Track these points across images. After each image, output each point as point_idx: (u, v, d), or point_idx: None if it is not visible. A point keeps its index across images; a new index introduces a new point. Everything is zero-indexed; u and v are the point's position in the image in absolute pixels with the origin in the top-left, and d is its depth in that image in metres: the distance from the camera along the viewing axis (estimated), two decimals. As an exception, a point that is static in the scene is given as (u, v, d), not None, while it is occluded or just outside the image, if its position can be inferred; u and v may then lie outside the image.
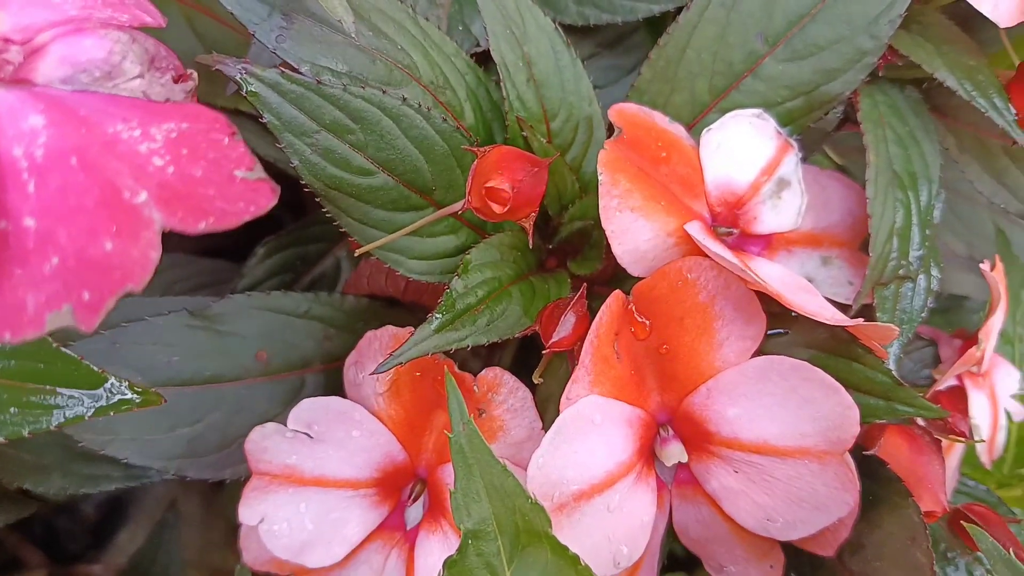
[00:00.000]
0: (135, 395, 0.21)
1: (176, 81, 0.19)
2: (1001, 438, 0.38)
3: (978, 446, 0.36)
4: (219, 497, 0.59)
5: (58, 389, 0.20)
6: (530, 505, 0.23)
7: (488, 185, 0.24)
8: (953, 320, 0.43)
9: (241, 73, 0.23)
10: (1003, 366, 0.38)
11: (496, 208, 0.24)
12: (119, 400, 0.21)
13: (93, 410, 0.21)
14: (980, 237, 0.43)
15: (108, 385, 0.21)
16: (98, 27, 0.19)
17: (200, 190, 0.17)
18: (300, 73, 0.24)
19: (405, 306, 0.33)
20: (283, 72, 0.24)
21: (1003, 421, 0.37)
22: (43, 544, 0.59)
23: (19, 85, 0.18)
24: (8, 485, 0.31)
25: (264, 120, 0.24)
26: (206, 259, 0.39)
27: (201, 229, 0.16)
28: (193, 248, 0.39)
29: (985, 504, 0.37)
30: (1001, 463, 0.41)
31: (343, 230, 0.28)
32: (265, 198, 0.17)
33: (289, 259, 0.35)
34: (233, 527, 0.63)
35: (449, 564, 0.23)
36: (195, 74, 0.20)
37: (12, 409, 0.20)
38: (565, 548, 0.23)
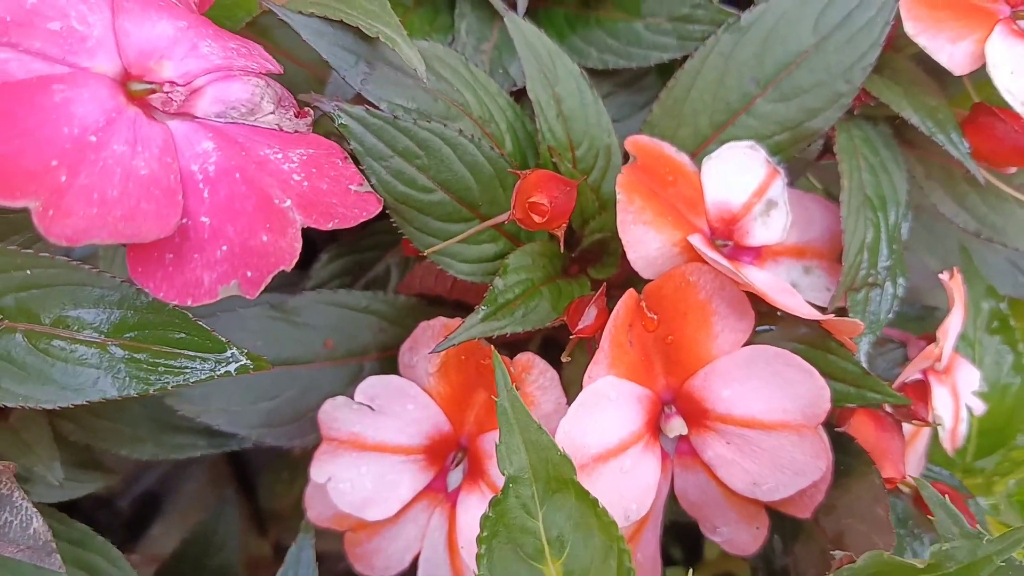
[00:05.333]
0: (249, 361, 0.27)
1: (297, 116, 0.25)
2: (963, 429, 0.43)
3: (941, 435, 0.42)
4: (246, 492, 0.65)
5: (191, 353, 0.26)
6: (559, 457, 0.28)
7: (531, 200, 0.29)
8: (927, 327, 0.48)
9: (334, 109, 0.29)
10: (965, 366, 0.43)
11: (536, 219, 0.29)
12: (237, 365, 0.27)
13: (220, 371, 0.26)
14: (951, 253, 0.48)
15: (229, 353, 0.26)
16: (241, 74, 0.25)
17: (327, 199, 0.23)
18: (379, 109, 0.30)
19: (448, 304, 0.39)
20: (367, 108, 0.29)
21: (964, 414, 0.43)
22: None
23: (184, 117, 0.24)
24: (109, 451, 0.37)
25: (351, 147, 0.29)
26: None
27: (329, 227, 0.22)
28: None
29: (947, 485, 0.42)
30: (964, 453, 0.46)
31: (394, 239, 0.34)
32: (372, 205, 0.23)
33: (348, 264, 0.41)
34: (261, 517, 0.68)
35: (494, 503, 0.28)
36: (312, 111, 0.25)
37: (160, 368, 0.25)
38: (587, 493, 0.28)
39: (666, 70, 0.39)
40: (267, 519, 0.65)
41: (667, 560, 0.64)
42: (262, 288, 0.21)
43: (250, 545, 0.63)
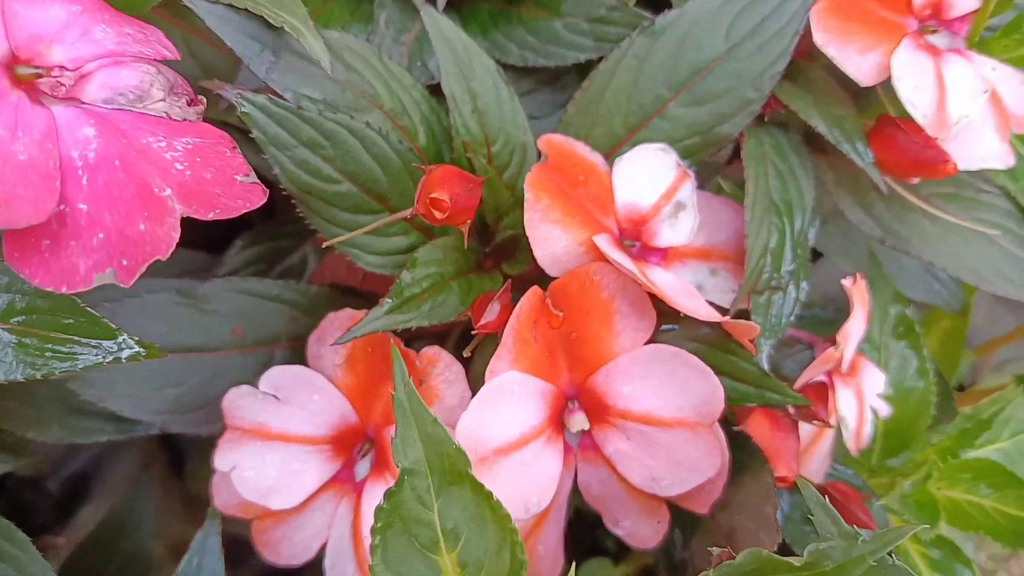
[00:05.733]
0: (141, 348, 0.27)
1: (189, 104, 0.25)
2: (867, 430, 0.44)
3: (845, 435, 0.43)
4: (177, 477, 0.64)
5: (81, 339, 0.26)
6: (455, 451, 0.29)
7: (432, 196, 0.30)
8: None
9: (236, 97, 0.29)
10: (870, 368, 0.44)
11: (437, 214, 0.30)
12: (129, 352, 0.27)
13: (110, 358, 0.26)
14: (863, 258, 0.50)
15: (120, 340, 0.26)
16: (132, 60, 0.25)
17: (209, 189, 0.23)
18: (284, 99, 0.30)
19: (361, 295, 0.39)
20: (270, 97, 0.30)
21: (869, 416, 0.44)
22: (11, 518, 0.64)
23: (70, 102, 0.24)
24: (14, 433, 0.36)
25: (253, 135, 0.30)
26: (189, 250, 0.45)
27: (210, 217, 0.22)
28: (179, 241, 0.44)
29: (849, 485, 0.43)
30: (870, 454, 0.47)
31: (312, 228, 0.34)
32: (257, 197, 0.23)
33: (263, 252, 0.41)
34: (191, 502, 0.68)
35: (388, 495, 0.28)
36: (204, 99, 0.25)
37: (47, 353, 0.25)
38: (481, 486, 0.29)
39: (586, 69, 0.40)
40: (194, 503, 0.64)
41: (599, 550, 0.65)
42: (137, 276, 0.21)
43: (175, 529, 0.63)
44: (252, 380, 0.35)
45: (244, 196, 0.23)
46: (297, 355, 0.38)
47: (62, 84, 0.24)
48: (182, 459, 0.66)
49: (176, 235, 0.22)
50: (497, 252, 0.39)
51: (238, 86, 0.29)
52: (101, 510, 0.64)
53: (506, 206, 0.38)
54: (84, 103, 0.24)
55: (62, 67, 0.24)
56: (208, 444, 0.64)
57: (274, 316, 0.37)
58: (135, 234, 0.21)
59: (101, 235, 0.21)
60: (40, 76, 0.24)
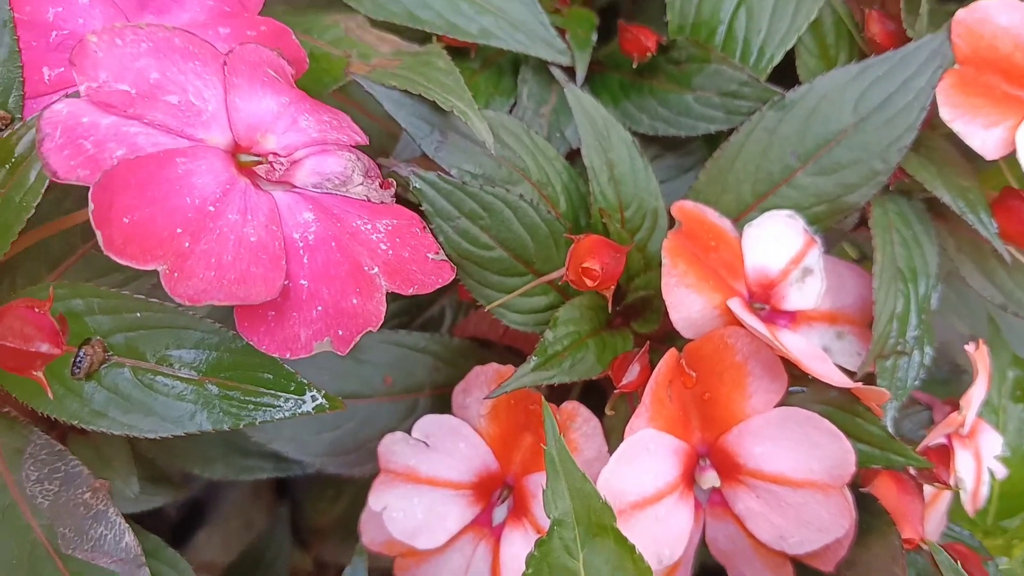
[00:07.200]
0: (326, 401, 0.30)
1: (382, 187, 0.28)
2: (984, 491, 0.45)
3: (962, 496, 0.43)
4: (291, 506, 0.68)
5: (278, 392, 0.29)
6: (601, 504, 0.31)
7: (583, 265, 0.32)
8: (953, 390, 0.50)
9: (410, 174, 0.32)
10: (988, 431, 0.45)
11: (588, 282, 0.32)
12: (315, 404, 0.29)
13: (301, 410, 0.29)
14: (980, 320, 0.50)
15: (310, 394, 0.29)
16: (335, 148, 0.28)
17: (408, 266, 0.25)
18: (450, 175, 0.33)
19: (498, 348, 0.42)
20: (439, 174, 0.33)
21: (986, 477, 0.44)
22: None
23: (284, 186, 0.27)
24: (184, 469, 0.40)
25: (423, 208, 0.33)
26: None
27: (410, 292, 0.25)
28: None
29: (966, 546, 0.44)
30: (985, 515, 0.47)
31: (456, 280, 0.37)
32: (447, 273, 0.26)
33: (406, 305, 0.44)
34: (305, 531, 0.71)
35: (539, 543, 0.31)
36: (394, 183, 0.28)
37: (249, 405, 0.28)
38: (625, 539, 0.31)
39: (711, 137, 0.42)
40: (308, 534, 0.68)
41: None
42: (352, 346, 0.24)
43: (293, 558, 0.66)
44: (399, 426, 0.38)
45: (436, 272, 0.26)
46: (438, 402, 0.41)
47: (276, 170, 0.27)
48: (289, 490, 0.69)
49: (383, 309, 0.25)
50: (627, 311, 0.41)
51: (410, 163, 0.33)
52: (216, 535, 0.68)
53: (637, 268, 0.40)
54: (296, 187, 0.27)
55: (276, 154, 0.27)
56: (322, 479, 0.67)
57: (419, 366, 0.40)
58: (349, 307, 0.24)
59: (320, 308, 0.24)
60: (259, 163, 0.27)
